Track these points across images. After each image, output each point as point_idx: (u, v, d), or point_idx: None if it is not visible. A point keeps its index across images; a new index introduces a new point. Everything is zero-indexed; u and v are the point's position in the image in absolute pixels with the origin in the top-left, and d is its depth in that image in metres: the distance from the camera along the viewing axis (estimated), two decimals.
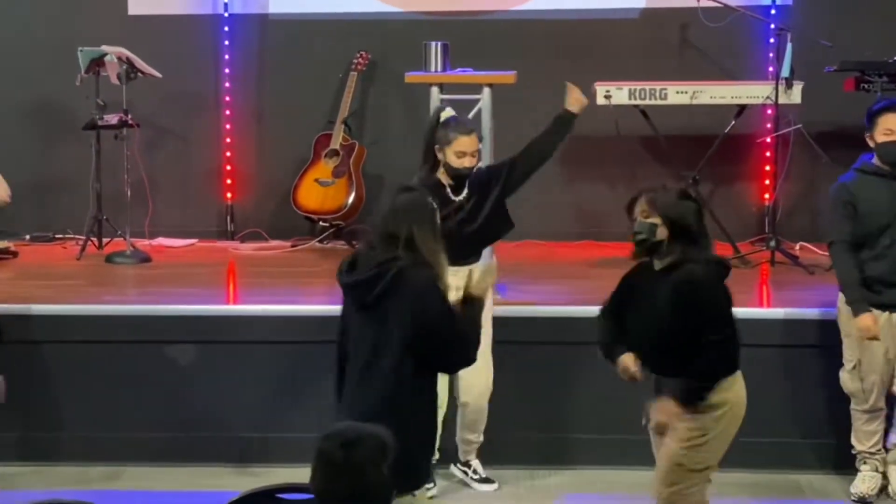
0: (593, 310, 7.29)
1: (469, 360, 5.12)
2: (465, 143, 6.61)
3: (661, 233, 5.35)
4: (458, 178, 6.66)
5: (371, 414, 4.58)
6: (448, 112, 6.83)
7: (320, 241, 9.48)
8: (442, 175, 6.66)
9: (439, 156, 6.65)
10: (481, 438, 7.05)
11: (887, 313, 6.48)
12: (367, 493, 3.67)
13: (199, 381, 7.26)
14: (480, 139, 6.88)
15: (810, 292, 7.81)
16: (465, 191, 6.71)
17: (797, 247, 8.97)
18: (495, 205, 6.76)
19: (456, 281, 6.25)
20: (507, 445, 7.17)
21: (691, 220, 5.39)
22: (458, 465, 7.09)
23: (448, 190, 6.66)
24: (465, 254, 6.55)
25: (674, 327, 5.31)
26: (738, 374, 5.41)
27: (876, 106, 6.71)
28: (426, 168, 6.72)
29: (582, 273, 8.49)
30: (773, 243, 8.65)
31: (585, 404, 7.22)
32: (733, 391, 5.38)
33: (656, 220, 5.35)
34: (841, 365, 6.74)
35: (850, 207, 6.52)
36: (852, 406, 6.73)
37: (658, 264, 5.45)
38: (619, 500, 6.80)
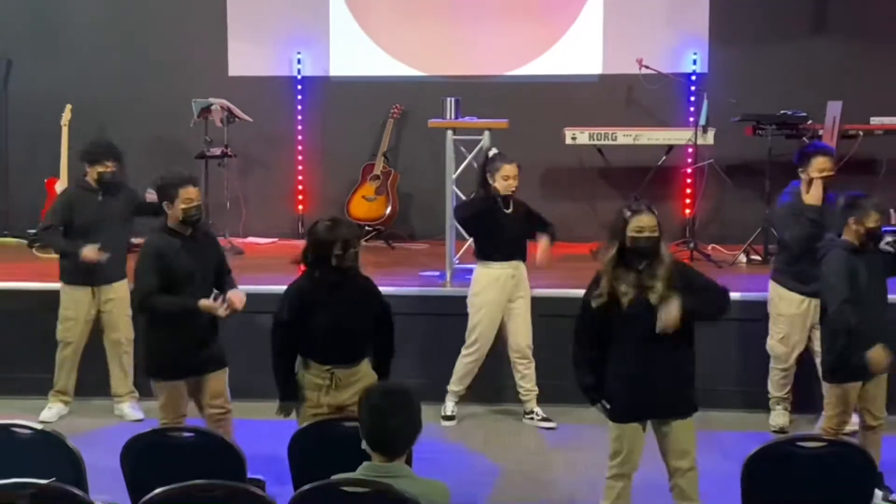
0: (565, 292, 7.29)
1: None
2: (508, 169, 6.59)
3: None
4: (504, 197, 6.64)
5: None
6: (494, 149, 6.85)
7: (365, 241, 9.37)
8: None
9: (490, 180, 6.63)
10: (536, 388, 6.89)
11: (808, 299, 6.40)
12: (403, 428, 3.70)
13: None
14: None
15: (721, 280, 7.79)
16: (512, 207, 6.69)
17: (709, 247, 8.93)
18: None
19: (510, 270, 6.51)
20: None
21: None
22: (525, 415, 6.95)
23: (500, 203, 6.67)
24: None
25: None
26: None
27: (809, 148, 6.54)
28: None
29: (555, 266, 8.47)
30: (692, 245, 8.65)
31: None
32: None
33: None
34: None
35: (798, 214, 6.35)
36: (773, 365, 6.72)
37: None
38: (595, 429, 6.70)
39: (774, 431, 6.68)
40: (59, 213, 6.89)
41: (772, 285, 6.67)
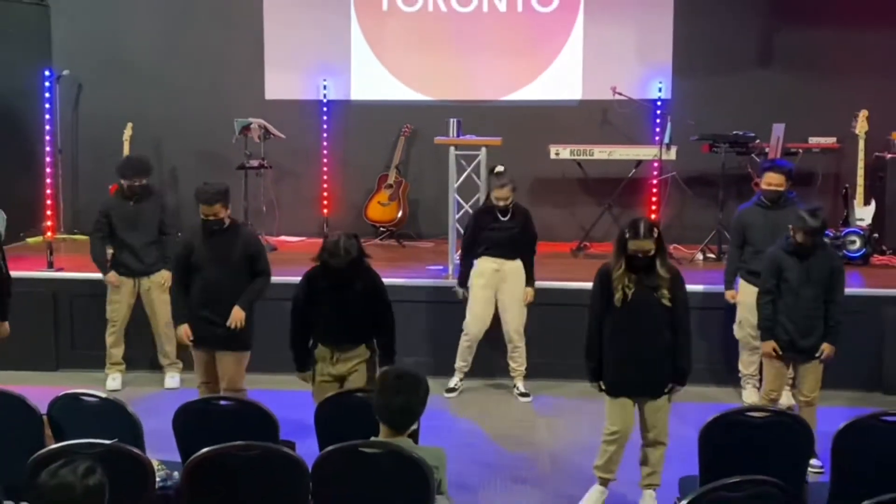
0: (552, 284, 7.21)
1: None
2: (499, 193, 6.68)
3: None
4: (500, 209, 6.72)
5: None
6: (500, 167, 6.85)
7: (380, 240, 9.44)
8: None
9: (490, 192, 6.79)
10: (523, 367, 6.88)
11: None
12: (408, 406, 3.68)
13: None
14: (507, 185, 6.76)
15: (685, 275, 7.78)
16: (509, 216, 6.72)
17: (671, 247, 8.79)
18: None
19: (495, 265, 6.62)
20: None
21: None
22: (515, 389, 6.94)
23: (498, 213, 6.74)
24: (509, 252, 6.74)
25: None
26: None
27: (763, 164, 6.68)
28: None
29: (538, 262, 8.44)
30: None
31: (560, 340, 7.14)
32: None
33: None
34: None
35: (741, 228, 6.43)
36: (740, 348, 6.64)
37: None
38: (576, 400, 6.72)
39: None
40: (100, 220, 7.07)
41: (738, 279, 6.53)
